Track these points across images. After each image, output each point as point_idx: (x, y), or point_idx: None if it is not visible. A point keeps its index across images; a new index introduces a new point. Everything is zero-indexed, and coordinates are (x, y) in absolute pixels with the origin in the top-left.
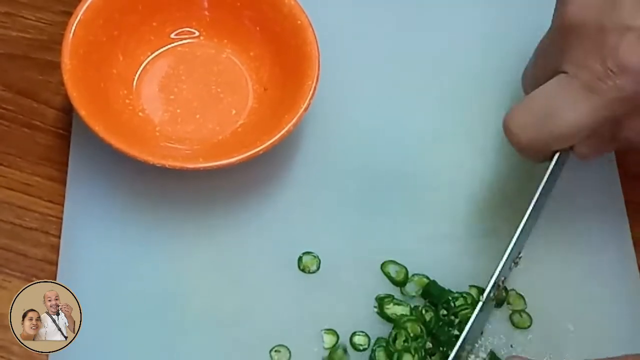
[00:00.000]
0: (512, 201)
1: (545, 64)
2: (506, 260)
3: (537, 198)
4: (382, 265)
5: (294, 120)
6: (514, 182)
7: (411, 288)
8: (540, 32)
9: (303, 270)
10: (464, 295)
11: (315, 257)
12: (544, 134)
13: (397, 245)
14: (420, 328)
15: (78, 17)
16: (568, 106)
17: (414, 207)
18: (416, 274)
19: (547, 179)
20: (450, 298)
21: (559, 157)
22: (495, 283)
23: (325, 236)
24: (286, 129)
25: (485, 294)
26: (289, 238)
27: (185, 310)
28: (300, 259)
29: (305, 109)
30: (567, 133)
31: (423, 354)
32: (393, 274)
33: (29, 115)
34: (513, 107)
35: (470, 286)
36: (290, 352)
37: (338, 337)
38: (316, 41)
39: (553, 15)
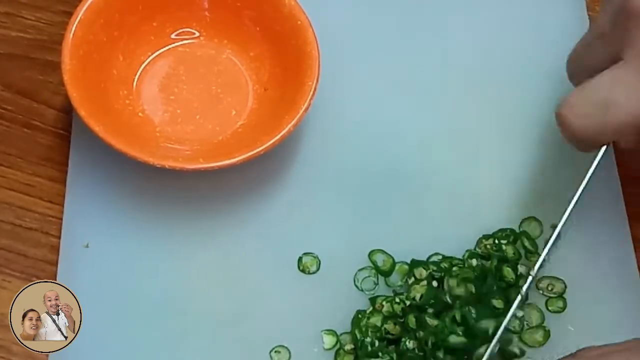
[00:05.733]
0: (512, 201)
1: (602, 49)
2: (550, 246)
3: (584, 188)
4: (370, 254)
5: (294, 121)
6: (514, 182)
7: (395, 279)
8: (540, 32)
9: (303, 271)
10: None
11: (315, 257)
12: (602, 124)
13: (397, 245)
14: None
15: (78, 17)
16: (627, 95)
17: (414, 207)
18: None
19: (592, 172)
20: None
21: (606, 149)
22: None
23: (325, 236)
24: (286, 129)
25: (534, 272)
26: (289, 238)
27: (185, 310)
28: (300, 259)
29: (306, 109)
30: (627, 124)
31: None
32: (380, 263)
33: (29, 115)
34: (570, 96)
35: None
36: (290, 353)
37: (338, 337)
38: (316, 41)
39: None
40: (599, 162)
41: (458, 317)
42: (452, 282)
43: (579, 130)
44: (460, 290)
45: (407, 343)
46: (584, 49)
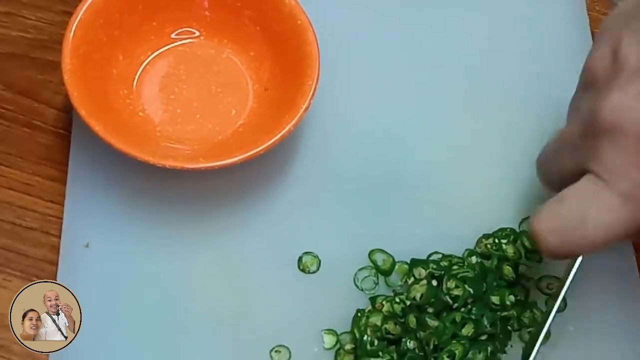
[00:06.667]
0: (512, 201)
1: (571, 158)
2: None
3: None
4: (370, 253)
5: (294, 120)
6: (514, 182)
7: (396, 278)
8: (540, 32)
9: (303, 270)
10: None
11: (315, 257)
12: (575, 241)
13: (397, 244)
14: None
15: (78, 17)
16: (602, 215)
17: (414, 206)
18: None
19: (572, 279)
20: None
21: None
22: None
23: (326, 236)
24: (286, 129)
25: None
26: (289, 238)
27: (185, 309)
28: (300, 259)
29: (306, 109)
30: (601, 242)
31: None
32: (380, 263)
33: (29, 115)
34: (541, 210)
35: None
36: (290, 352)
37: (338, 337)
38: (316, 41)
39: (575, 103)
40: (578, 270)
41: (458, 319)
42: (451, 283)
43: (555, 246)
44: (459, 291)
45: (407, 343)
46: (554, 154)
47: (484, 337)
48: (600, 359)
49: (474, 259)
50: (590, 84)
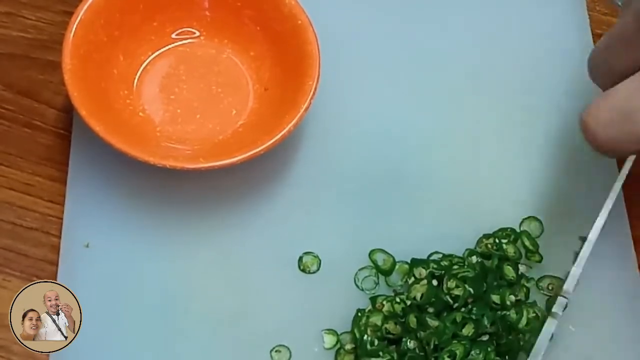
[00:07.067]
0: (512, 202)
1: (627, 53)
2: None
3: (616, 197)
4: (371, 253)
5: (294, 120)
6: (515, 182)
7: (396, 278)
8: (540, 32)
9: (303, 270)
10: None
11: (315, 257)
12: (626, 134)
13: (397, 245)
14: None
15: (79, 17)
16: None
17: (414, 206)
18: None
19: (623, 181)
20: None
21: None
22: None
23: (326, 236)
24: (287, 129)
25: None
26: (290, 238)
27: (185, 309)
28: (300, 258)
29: (306, 109)
30: None
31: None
32: (380, 262)
33: (30, 115)
34: (593, 103)
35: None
36: (290, 352)
37: (338, 336)
38: (317, 41)
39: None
40: (629, 172)
41: (459, 319)
42: (451, 283)
43: (603, 139)
44: (459, 291)
45: (408, 343)
46: (607, 50)
47: (485, 338)
48: (601, 359)
49: (474, 259)
50: None
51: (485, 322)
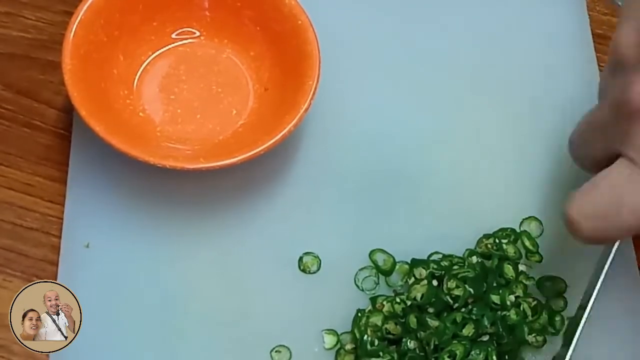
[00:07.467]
0: (512, 202)
1: (604, 142)
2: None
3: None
4: (371, 253)
5: (294, 120)
6: (515, 182)
7: (396, 279)
8: (540, 32)
9: (303, 270)
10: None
11: (315, 257)
12: (611, 226)
13: (397, 245)
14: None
15: (79, 17)
16: (638, 198)
17: (414, 206)
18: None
19: (608, 268)
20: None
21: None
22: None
23: (326, 236)
24: (287, 129)
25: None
26: (290, 238)
27: (185, 310)
28: (300, 259)
29: (306, 109)
30: (637, 226)
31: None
32: (380, 263)
33: (30, 115)
34: (575, 195)
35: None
36: (290, 352)
37: (339, 337)
38: (317, 41)
39: (604, 85)
40: (613, 257)
41: (459, 319)
42: (452, 283)
43: (589, 233)
44: (459, 291)
45: (408, 343)
46: (585, 136)
47: (485, 338)
48: (600, 359)
49: (474, 259)
50: (618, 65)
51: (486, 322)
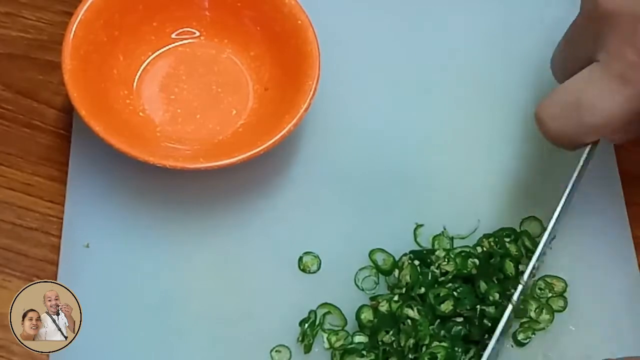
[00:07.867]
0: (512, 202)
1: (576, 52)
2: (542, 246)
3: (571, 187)
4: (371, 253)
5: (294, 121)
6: (515, 182)
7: (396, 279)
8: (540, 32)
9: (303, 270)
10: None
11: (315, 257)
12: (575, 125)
13: (397, 245)
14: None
15: (78, 17)
16: (600, 97)
17: (414, 207)
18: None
19: (579, 170)
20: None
21: (591, 147)
22: (533, 268)
23: (326, 236)
24: (287, 129)
25: (525, 276)
26: (289, 238)
27: (185, 310)
28: (300, 258)
29: (306, 109)
30: (599, 125)
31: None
32: (380, 262)
33: (30, 115)
34: (545, 97)
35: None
36: (290, 352)
37: (338, 336)
38: (316, 41)
39: (581, 3)
40: (586, 161)
41: (442, 294)
42: (440, 252)
43: (555, 132)
44: (449, 267)
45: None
46: (563, 50)
47: (459, 319)
48: (600, 359)
49: (478, 248)
50: None
51: (466, 303)
